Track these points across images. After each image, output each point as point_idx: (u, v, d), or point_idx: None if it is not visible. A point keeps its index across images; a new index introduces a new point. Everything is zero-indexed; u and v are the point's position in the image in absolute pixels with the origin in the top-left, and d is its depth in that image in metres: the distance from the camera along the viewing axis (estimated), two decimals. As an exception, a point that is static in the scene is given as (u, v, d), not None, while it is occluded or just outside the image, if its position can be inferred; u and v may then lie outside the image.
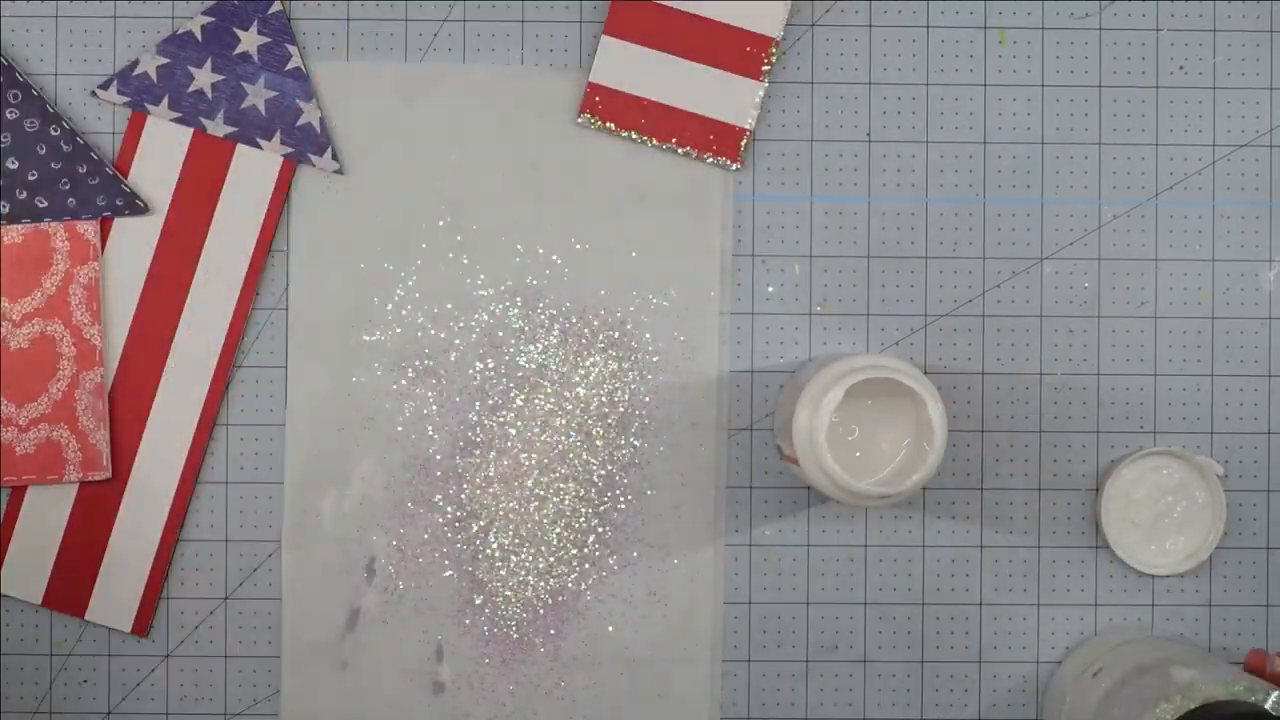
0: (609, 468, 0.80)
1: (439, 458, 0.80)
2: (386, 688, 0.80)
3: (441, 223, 0.80)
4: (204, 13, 0.77)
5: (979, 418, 0.81)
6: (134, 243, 0.78)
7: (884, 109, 0.81)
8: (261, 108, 0.77)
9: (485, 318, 0.80)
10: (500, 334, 0.80)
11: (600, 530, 0.80)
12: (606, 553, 0.80)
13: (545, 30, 0.81)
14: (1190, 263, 0.81)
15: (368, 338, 0.80)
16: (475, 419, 0.80)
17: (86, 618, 0.78)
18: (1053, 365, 0.81)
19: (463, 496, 0.80)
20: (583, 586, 0.80)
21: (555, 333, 0.80)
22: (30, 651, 0.79)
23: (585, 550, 0.80)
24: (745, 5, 0.79)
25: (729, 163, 0.80)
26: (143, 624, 0.78)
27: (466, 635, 0.80)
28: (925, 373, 0.76)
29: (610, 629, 0.80)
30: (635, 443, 0.80)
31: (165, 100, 0.77)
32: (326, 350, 0.80)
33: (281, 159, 0.78)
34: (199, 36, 0.77)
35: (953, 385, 0.81)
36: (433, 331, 0.80)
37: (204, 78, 0.77)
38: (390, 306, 0.80)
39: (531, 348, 0.80)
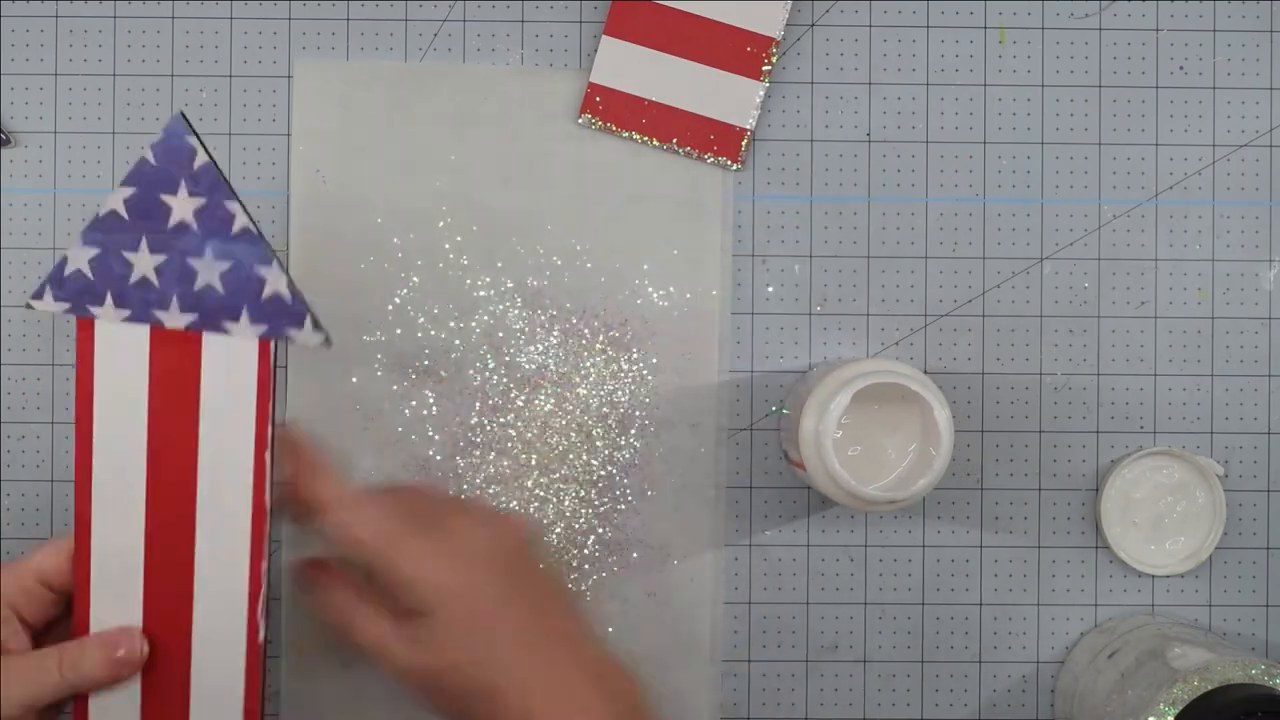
0: (609, 468, 0.80)
1: (439, 458, 0.80)
2: (387, 688, 0.80)
3: (441, 223, 0.80)
4: (123, 184, 0.64)
5: (979, 418, 0.81)
6: (121, 471, 0.67)
7: (884, 109, 0.81)
8: (218, 286, 0.64)
9: (485, 318, 0.80)
10: (500, 334, 0.80)
11: (600, 531, 0.80)
12: (606, 553, 0.80)
13: (545, 30, 0.81)
14: (1190, 263, 0.81)
15: (368, 338, 0.80)
16: (475, 420, 0.80)
17: None
18: (1053, 365, 0.81)
19: (462, 497, 0.80)
20: (583, 587, 0.80)
21: (555, 333, 0.80)
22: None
23: (585, 551, 0.80)
24: (745, 5, 0.79)
25: (729, 163, 0.80)
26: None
27: (466, 635, 0.80)
28: (925, 373, 0.76)
29: (610, 629, 0.80)
30: (635, 443, 0.80)
31: (109, 298, 0.65)
32: (326, 350, 0.80)
33: (257, 340, 0.65)
34: (125, 214, 0.64)
35: (953, 385, 0.81)
36: (433, 332, 0.80)
37: (143, 262, 0.64)
38: (390, 307, 0.80)
39: (531, 348, 0.80)
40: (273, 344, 0.65)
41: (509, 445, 0.80)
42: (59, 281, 0.65)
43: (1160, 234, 0.81)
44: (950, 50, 0.81)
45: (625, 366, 0.80)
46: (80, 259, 0.65)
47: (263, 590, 0.67)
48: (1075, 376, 0.81)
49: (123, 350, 0.66)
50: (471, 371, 0.80)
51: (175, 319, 0.65)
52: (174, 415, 0.66)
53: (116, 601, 0.67)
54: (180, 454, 0.66)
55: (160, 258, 0.64)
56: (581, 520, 0.80)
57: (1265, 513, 0.81)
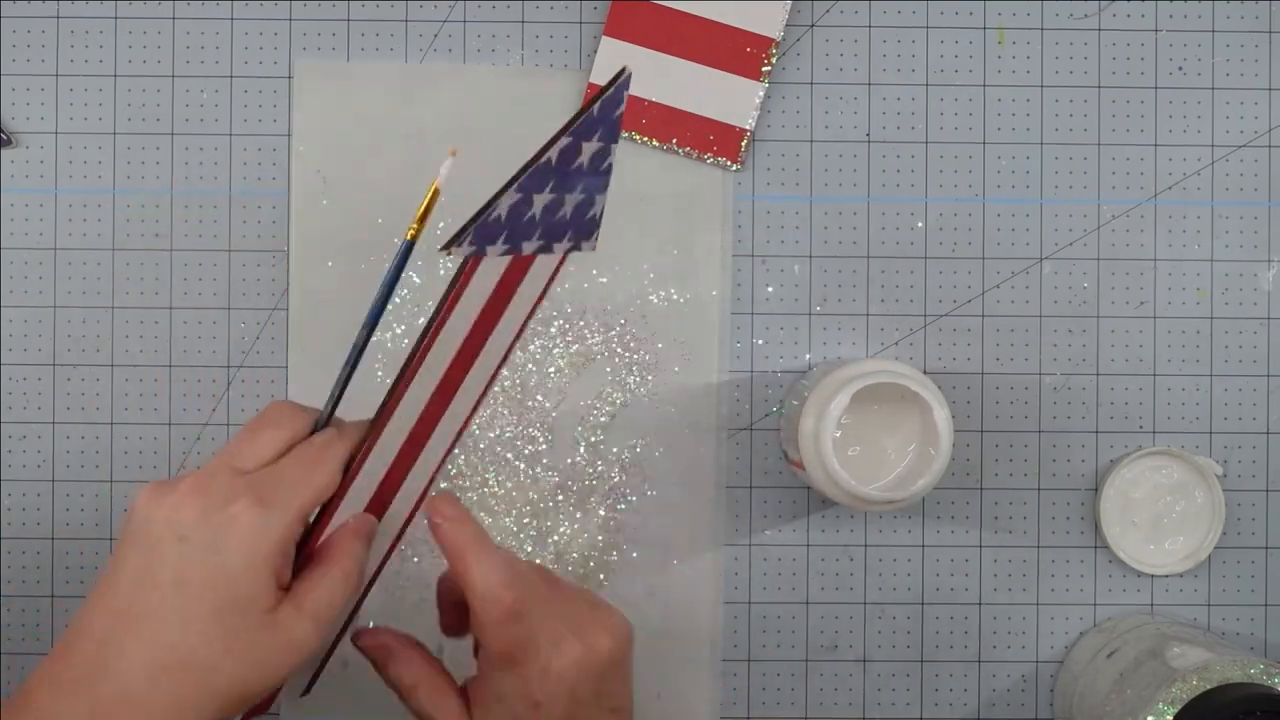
0: (609, 468, 0.80)
1: (439, 458, 0.80)
2: (386, 688, 0.80)
3: (442, 223, 0.80)
4: (567, 133, 0.60)
5: (979, 418, 0.81)
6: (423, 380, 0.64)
7: (884, 109, 0.81)
8: (569, 214, 0.63)
9: (485, 318, 0.80)
10: (500, 334, 0.80)
11: (600, 530, 0.80)
12: (606, 553, 0.80)
13: (545, 30, 0.81)
14: (1189, 263, 0.81)
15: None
16: (475, 419, 0.80)
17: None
18: (1052, 365, 0.81)
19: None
20: (583, 587, 0.80)
21: (555, 333, 0.80)
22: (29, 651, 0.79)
23: (586, 551, 0.80)
24: (745, 5, 0.79)
25: (729, 163, 0.80)
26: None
27: (467, 635, 0.80)
28: (925, 373, 0.76)
29: (610, 629, 0.80)
30: (635, 443, 0.80)
31: (503, 236, 0.61)
32: (326, 350, 0.80)
33: (562, 255, 0.65)
34: (554, 162, 0.61)
35: (953, 385, 0.81)
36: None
37: (540, 200, 0.61)
38: (390, 307, 0.80)
39: (531, 348, 0.80)
40: (565, 256, 0.64)
41: (509, 445, 0.80)
42: (484, 228, 0.60)
43: (1159, 234, 0.81)
44: (950, 50, 0.81)
45: (625, 366, 0.80)
46: (504, 205, 0.60)
47: (449, 458, 0.66)
48: (1075, 376, 0.81)
49: (484, 280, 0.62)
50: (472, 371, 0.80)
51: (531, 245, 0.62)
52: (487, 327, 0.64)
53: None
54: (467, 353, 0.63)
55: (551, 196, 0.61)
56: (581, 520, 0.80)
57: (1264, 512, 0.81)
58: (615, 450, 0.80)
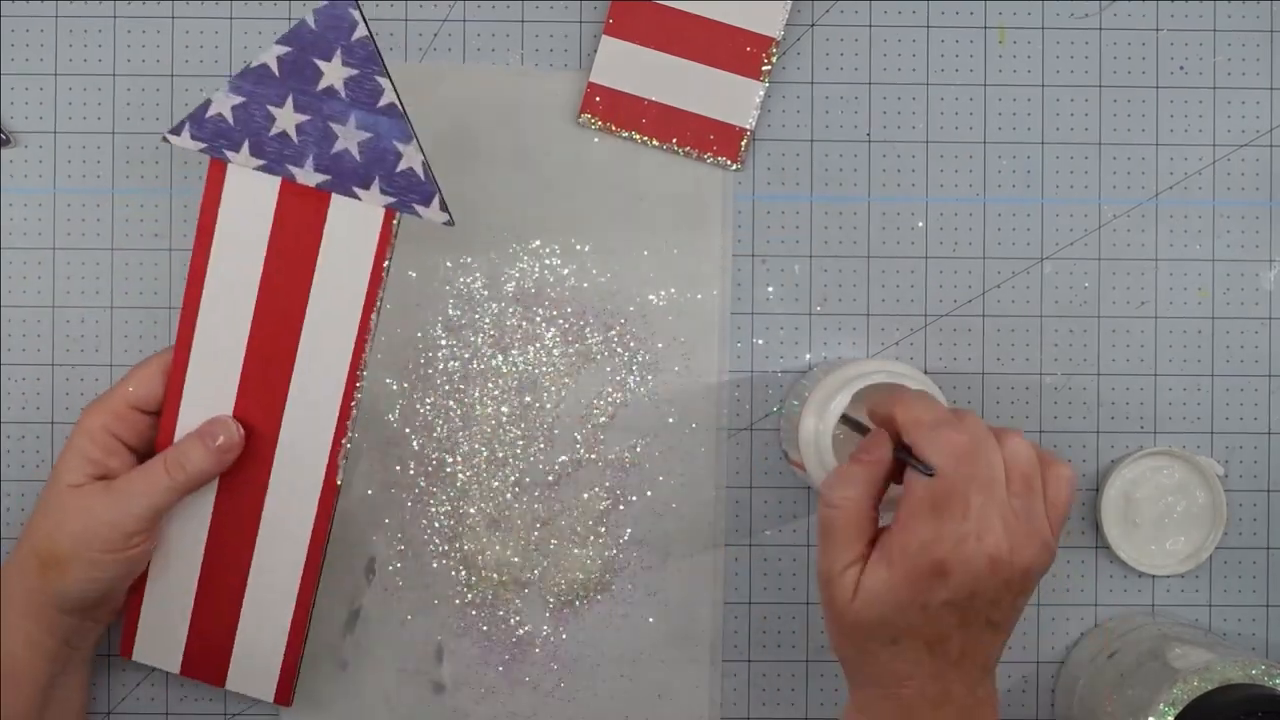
0: (609, 468, 0.80)
1: (437, 457, 0.80)
2: (386, 688, 0.80)
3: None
4: (279, 42, 0.68)
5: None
6: (230, 303, 0.72)
7: (884, 109, 0.81)
8: (355, 152, 0.68)
9: (485, 318, 0.80)
10: (500, 334, 0.80)
11: (600, 530, 0.80)
12: (607, 553, 0.80)
13: (545, 30, 0.81)
14: (1190, 263, 0.81)
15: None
16: (476, 419, 0.80)
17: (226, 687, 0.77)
18: (1053, 365, 0.81)
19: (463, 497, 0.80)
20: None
21: (555, 333, 0.80)
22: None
23: (586, 551, 0.80)
24: (745, 5, 0.79)
25: (729, 163, 0.80)
26: (285, 693, 0.76)
27: (466, 635, 0.80)
28: (925, 373, 0.76)
29: (610, 629, 0.80)
30: (635, 443, 0.80)
31: (246, 145, 0.69)
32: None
33: (383, 209, 0.69)
34: (276, 71, 0.68)
35: (953, 385, 0.81)
36: (433, 332, 0.80)
37: (286, 118, 0.68)
38: (390, 307, 0.80)
39: (531, 348, 0.80)
40: (396, 217, 0.69)
41: (509, 445, 0.80)
42: (199, 121, 0.69)
43: (1160, 234, 0.81)
44: (950, 50, 0.81)
45: (625, 366, 0.80)
46: (224, 104, 0.68)
47: (346, 439, 0.72)
48: (1075, 376, 0.81)
49: (251, 197, 0.70)
50: (472, 371, 0.80)
51: (308, 176, 0.69)
52: (291, 263, 0.70)
53: (206, 415, 0.72)
54: (290, 299, 0.71)
55: (303, 117, 0.68)
56: (581, 520, 0.80)
57: (1265, 513, 0.81)
58: (615, 450, 0.80)
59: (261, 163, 0.69)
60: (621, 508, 0.80)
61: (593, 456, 0.80)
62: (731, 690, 0.81)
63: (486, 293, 0.80)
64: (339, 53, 0.67)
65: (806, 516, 0.81)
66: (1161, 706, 0.68)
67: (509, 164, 0.81)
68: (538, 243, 0.80)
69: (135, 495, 0.71)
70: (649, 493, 0.80)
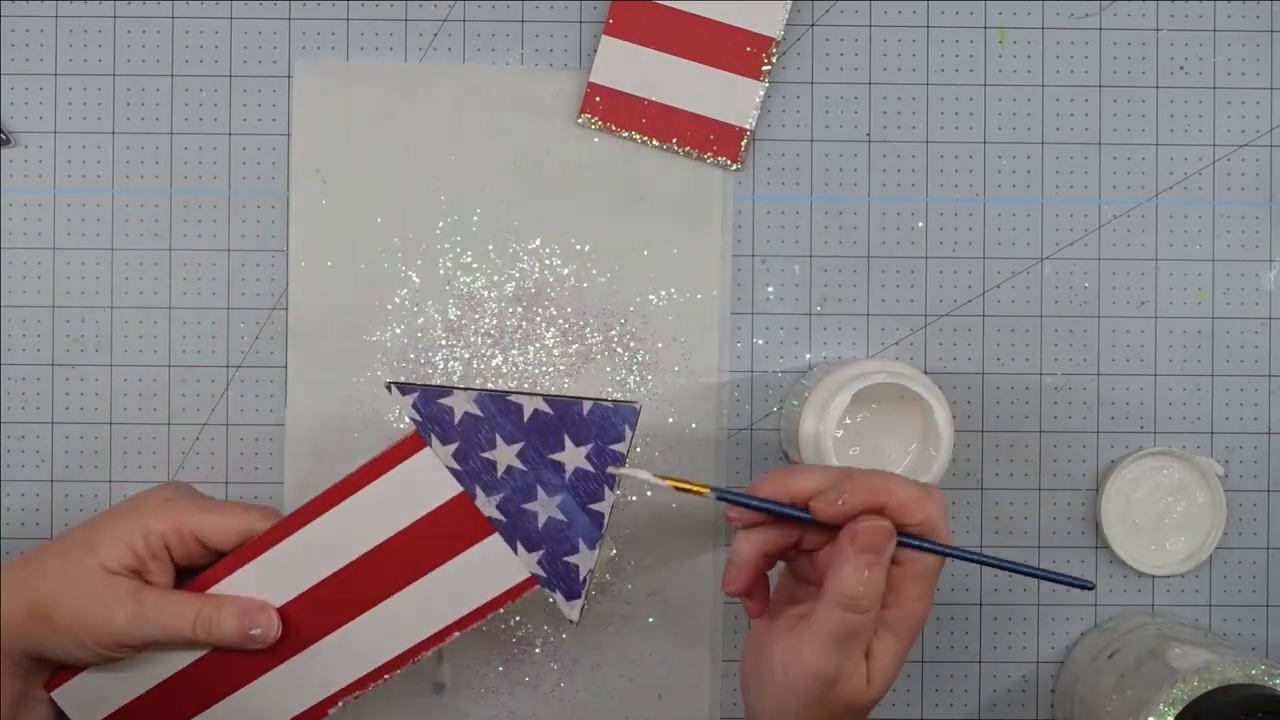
0: (609, 468, 0.80)
1: (439, 458, 0.80)
2: (387, 688, 0.80)
3: (441, 223, 0.80)
4: (547, 399, 0.67)
5: (979, 418, 0.81)
6: (342, 538, 0.70)
7: (884, 109, 0.81)
8: (540, 521, 0.68)
9: (485, 318, 0.80)
10: (500, 334, 0.80)
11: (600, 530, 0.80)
12: (606, 554, 0.80)
13: (545, 30, 0.81)
14: (1190, 263, 0.81)
15: (368, 338, 0.80)
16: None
17: None
18: (1053, 365, 0.81)
19: None
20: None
21: (555, 333, 0.80)
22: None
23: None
24: (745, 5, 0.79)
25: (729, 163, 0.80)
26: None
27: (466, 635, 0.80)
28: (925, 373, 0.76)
29: (610, 629, 0.80)
30: (635, 443, 0.80)
31: (455, 447, 0.68)
32: (326, 350, 0.80)
33: (528, 575, 0.69)
34: (525, 418, 0.67)
35: (953, 385, 0.81)
36: (433, 332, 0.80)
37: (505, 456, 0.68)
38: (390, 307, 0.80)
39: (531, 348, 0.80)
40: (534, 588, 0.69)
41: (509, 445, 0.80)
42: (430, 401, 0.68)
43: (1160, 234, 0.81)
44: (950, 50, 0.81)
45: (625, 366, 0.80)
46: (462, 406, 0.67)
47: (352, 697, 0.71)
48: (1075, 376, 0.81)
49: (426, 483, 0.68)
50: (472, 371, 0.80)
51: (487, 507, 0.68)
52: (414, 552, 0.69)
53: (256, 593, 0.71)
54: (392, 575, 0.70)
55: (520, 465, 0.67)
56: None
57: (1265, 513, 0.81)
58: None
59: (457, 468, 0.68)
60: (622, 508, 0.80)
61: (593, 456, 0.80)
62: (731, 690, 0.81)
63: (486, 293, 0.80)
64: (590, 446, 0.67)
65: (806, 516, 0.81)
66: (1161, 707, 0.68)
67: (509, 163, 0.81)
68: (538, 243, 0.80)
69: (153, 623, 0.68)
70: (649, 493, 0.80)
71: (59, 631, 0.68)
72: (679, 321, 0.80)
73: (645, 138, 0.80)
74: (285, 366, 0.80)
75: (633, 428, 0.66)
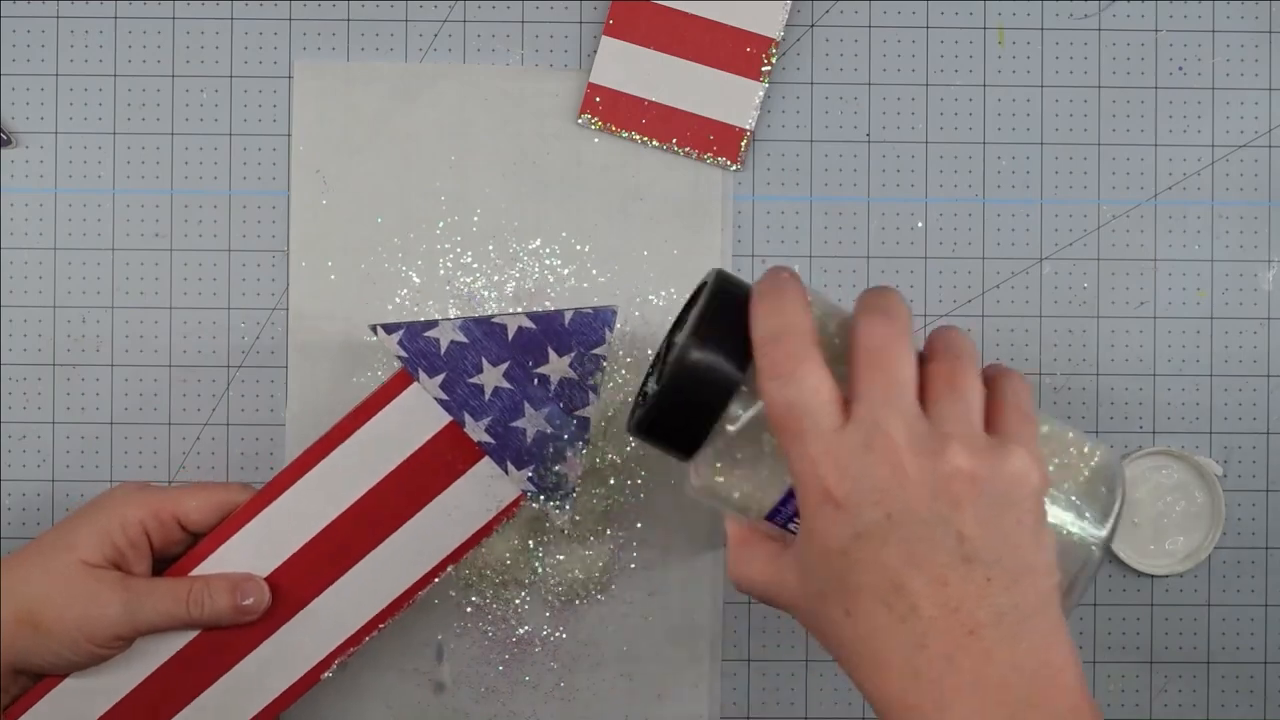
0: (608, 468, 0.80)
1: (439, 458, 0.80)
2: (386, 688, 0.80)
3: (442, 223, 0.80)
4: (529, 315, 0.70)
5: (979, 418, 0.81)
6: (333, 490, 0.72)
7: (884, 109, 0.81)
8: (529, 436, 0.71)
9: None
10: (500, 334, 0.80)
11: (600, 530, 0.80)
12: (607, 553, 0.80)
13: (545, 30, 0.81)
14: (1189, 263, 0.81)
15: (368, 338, 0.80)
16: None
17: None
18: (1052, 365, 0.81)
19: None
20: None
21: (555, 333, 0.80)
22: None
23: (585, 550, 0.80)
24: (745, 5, 0.79)
25: (729, 163, 0.80)
26: None
27: (466, 635, 0.80)
28: (925, 373, 0.76)
29: (610, 629, 0.80)
30: (635, 443, 0.80)
31: (441, 377, 0.70)
32: (326, 350, 0.80)
33: (519, 491, 0.72)
34: (509, 336, 0.70)
35: (952, 385, 0.81)
36: (433, 331, 0.80)
37: (491, 377, 0.70)
38: (390, 307, 0.80)
39: (531, 348, 0.80)
40: (525, 500, 0.72)
41: (509, 445, 0.80)
42: (415, 335, 0.71)
43: (1159, 234, 0.81)
44: (950, 50, 0.81)
45: (625, 366, 0.80)
46: (447, 336, 0.70)
47: (356, 649, 0.72)
48: (1075, 376, 0.81)
49: (415, 419, 0.71)
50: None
51: (476, 431, 0.70)
52: (410, 489, 0.71)
53: (243, 567, 0.71)
54: (390, 515, 0.71)
55: (506, 385, 0.70)
56: (581, 520, 0.80)
57: (1264, 513, 0.81)
58: (615, 451, 0.80)
59: (444, 398, 0.70)
60: (622, 508, 0.80)
61: (593, 456, 0.80)
62: (731, 690, 0.81)
63: (486, 293, 0.80)
64: (573, 355, 0.70)
65: (806, 516, 0.81)
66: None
67: (509, 164, 0.81)
68: (538, 243, 0.80)
69: (147, 609, 0.68)
70: (649, 493, 0.80)
71: (49, 636, 0.67)
72: (679, 321, 0.80)
73: (645, 138, 0.80)
74: (285, 366, 0.80)
75: (612, 329, 0.69)
